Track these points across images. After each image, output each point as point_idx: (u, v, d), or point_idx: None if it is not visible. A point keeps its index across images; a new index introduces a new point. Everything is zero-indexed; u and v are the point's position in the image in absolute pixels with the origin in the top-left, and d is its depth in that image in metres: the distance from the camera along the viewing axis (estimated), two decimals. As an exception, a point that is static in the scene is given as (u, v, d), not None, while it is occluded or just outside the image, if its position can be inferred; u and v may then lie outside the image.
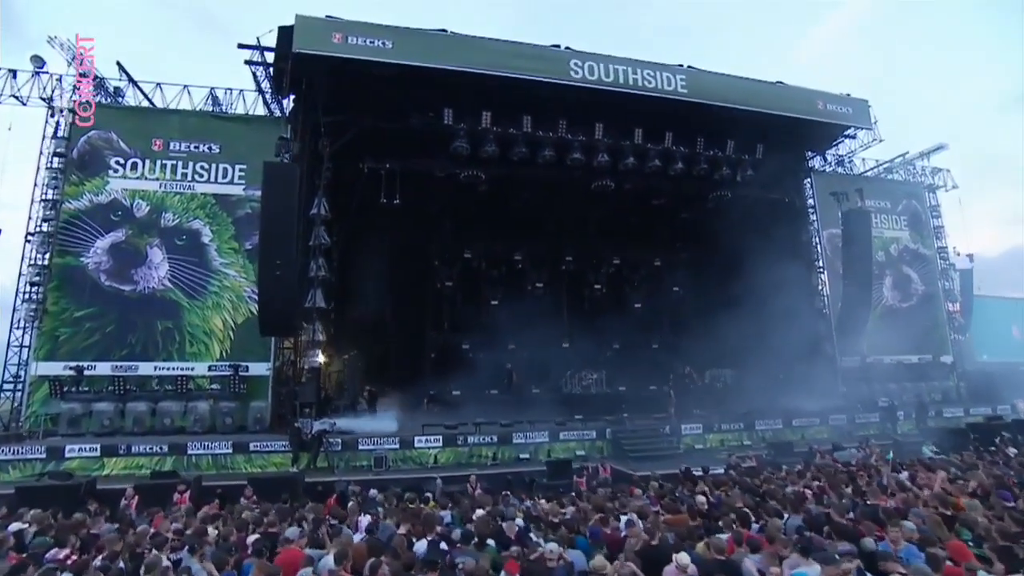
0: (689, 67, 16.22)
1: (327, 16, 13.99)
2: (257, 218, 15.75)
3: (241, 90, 16.74)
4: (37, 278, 13.93)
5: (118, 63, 15.73)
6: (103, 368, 14.41)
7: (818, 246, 20.02)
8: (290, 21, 13.85)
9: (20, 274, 14.43)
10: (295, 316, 14.57)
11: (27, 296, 14.07)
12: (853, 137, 19.74)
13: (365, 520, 6.90)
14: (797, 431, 15.73)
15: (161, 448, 12.14)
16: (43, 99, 15.40)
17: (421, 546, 5.88)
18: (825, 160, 21.22)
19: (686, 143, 16.89)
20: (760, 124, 17.21)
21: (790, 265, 19.93)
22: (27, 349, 14.42)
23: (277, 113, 17.24)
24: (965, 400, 19.13)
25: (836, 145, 20.50)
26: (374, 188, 16.22)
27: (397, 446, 13.08)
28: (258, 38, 14.46)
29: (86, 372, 14.11)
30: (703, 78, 16.29)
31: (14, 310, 14.27)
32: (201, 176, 15.95)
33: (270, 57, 15.30)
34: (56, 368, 14.08)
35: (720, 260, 21.27)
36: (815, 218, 20.30)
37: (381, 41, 14.01)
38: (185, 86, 16.34)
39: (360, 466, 12.71)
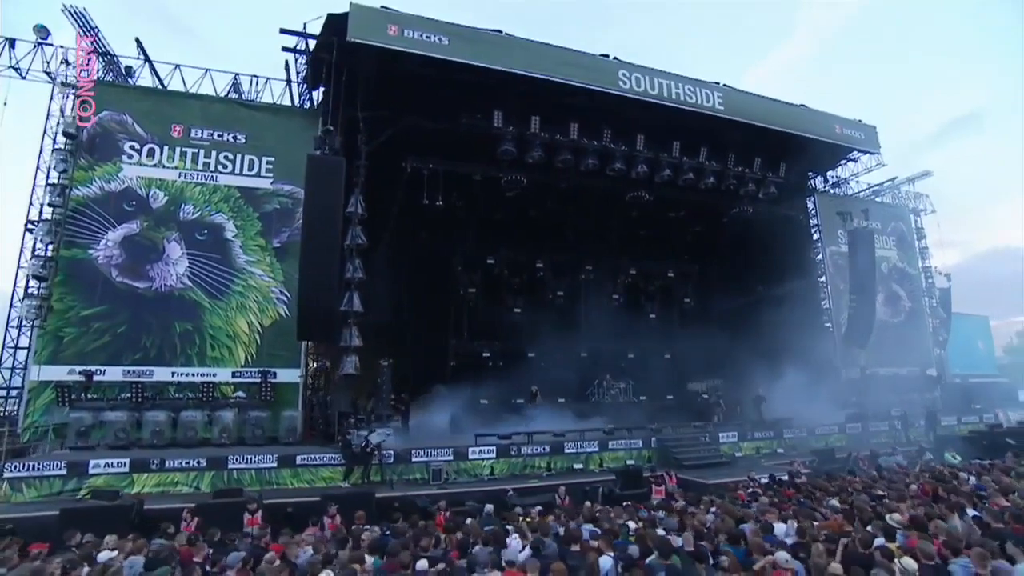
0: (725, 85, 16.73)
1: (383, 7, 13.41)
2: (286, 214, 14.99)
3: (268, 78, 15.78)
4: (42, 271, 12.37)
5: (137, 40, 14.45)
6: (113, 373, 13.05)
7: (823, 263, 21.03)
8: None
9: (19, 267, 12.84)
10: (335, 320, 13.79)
11: (28, 291, 12.47)
12: (855, 160, 21.00)
13: (514, 540, 6.46)
14: (820, 439, 16.32)
15: (198, 462, 11.01)
16: (47, 73, 13.88)
17: (605, 563, 5.59)
18: (826, 181, 22.42)
19: (718, 158, 17.37)
20: (782, 144, 17.99)
21: (797, 281, 20.93)
22: (25, 351, 12.83)
23: (300, 104, 16.37)
24: (950, 410, 20.50)
25: (838, 167, 21.74)
26: (412, 189, 15.66)
27: (451, 458, 12.52)
28: (304, 24, 13.70)
29: (95, 377, 12.71)
30: (737, 96, 16.85)
31: (11, 306, 12.65)
32: (225, 167, 14.85)
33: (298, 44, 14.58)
34: (60, 372, 12.59)
35: (730, 273, 22.01)
36: (818, 236, 21.35)
37: (438, 37, 13.59)
38: (207, 70, 15.23)
39: (415, 479, 12.08)
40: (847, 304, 19.99)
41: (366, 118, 14.89)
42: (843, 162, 21.34)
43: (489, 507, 8.11)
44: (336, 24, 13.36)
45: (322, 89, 15.68)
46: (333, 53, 13.70)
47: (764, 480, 10.62)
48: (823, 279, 21.15)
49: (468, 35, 13.99)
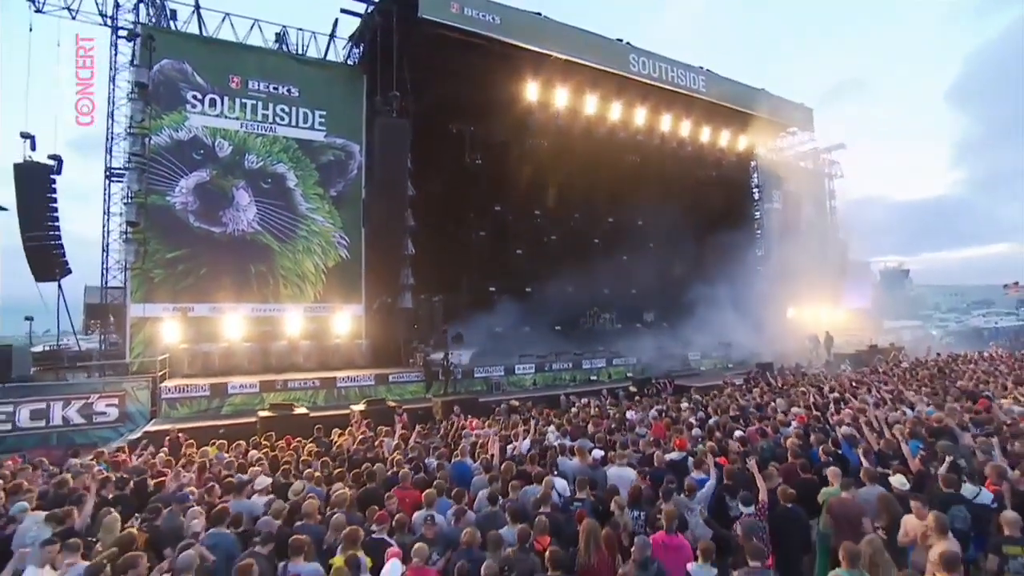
0: (708, 70, 19.96)
1: (444, -16, 14.83)
2: (340, 166, 16.57)
3: (313, 32, 16.55)
4: (135, 217, 13.38)
5: (194, -12, 14.65)
6: (201, 310, 14.62)
7: (760, 218, 25.88)
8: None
9: (105, 212, 13.66)
10: (398, 262, 16.14)
11: (123, 236, 13.50)
12: (794, 134, 25.54)
13: (631, 413, 10.03)
14: (756, 356, 21.50)
15: (313, 383, 13.44)
16: (102, 15, 13.92)
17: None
18: (765, 148, 26.90)
19: (696, 130, 20.88)
20: (744, 119, 21.84)
21: (738, 232, 25.63)
22: (116, 291, 13.98)
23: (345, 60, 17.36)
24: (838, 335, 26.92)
25: (777, 138, 26.23)
26: (456, 148, 17.78)
27: (503, 373, 15.85)
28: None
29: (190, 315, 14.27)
30: (716, 80, 20.20)
31: (103, 250, 13.60)
32: (282, 119, 15.93)
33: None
34: (156, 310, 14.01)
35: (686, 224, 26.24)
36: (758, 196, 26.04)
37: (492, 16, 15.35)
38: (255, 21, 15.76)
39: (477, 390, 15.30)
40: (774, 252, 25.14)
41: (412, 80, 16.45)
42: (782, 135, 25.79)
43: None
44: (401, -5, 14.65)
45: (363, 47, 16.86)
46: (392, 20, 15.03)
47: (739, 382, 15.06)
48: (759, 232, 26.08)
49: (516, 16, 15.83)
